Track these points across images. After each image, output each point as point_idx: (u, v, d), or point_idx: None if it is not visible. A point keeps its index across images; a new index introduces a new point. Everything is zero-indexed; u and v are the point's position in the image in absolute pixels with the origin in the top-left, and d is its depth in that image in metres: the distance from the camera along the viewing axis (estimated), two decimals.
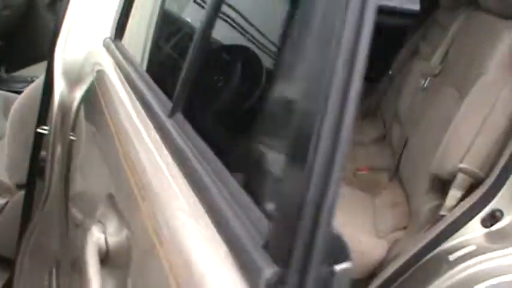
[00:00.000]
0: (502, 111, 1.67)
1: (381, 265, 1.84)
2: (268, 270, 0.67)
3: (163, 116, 1.20)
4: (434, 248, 1.66)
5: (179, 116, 1.17)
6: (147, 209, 1.06)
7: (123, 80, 1.55)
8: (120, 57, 1.69)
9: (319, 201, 0.65)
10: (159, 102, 1.27)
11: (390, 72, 2.85)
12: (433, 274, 1.63)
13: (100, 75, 1.81)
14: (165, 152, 1.10)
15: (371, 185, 2.28)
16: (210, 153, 1.00)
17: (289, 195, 0.70)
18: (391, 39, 2.90)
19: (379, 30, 2.67)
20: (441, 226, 1.68)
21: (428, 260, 1.67)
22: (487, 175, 1.66)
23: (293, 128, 0.71)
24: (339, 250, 0.67)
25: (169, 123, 1.15)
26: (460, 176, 1.72)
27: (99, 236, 1.10)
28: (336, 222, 1.74)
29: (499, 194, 1.60)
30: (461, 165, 1.71)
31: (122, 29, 1.82)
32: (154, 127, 1.21)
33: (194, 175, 0.96)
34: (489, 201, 1.62)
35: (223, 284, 0.78)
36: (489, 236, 1.63)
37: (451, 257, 1.62)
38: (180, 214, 0.95)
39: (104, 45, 1.86)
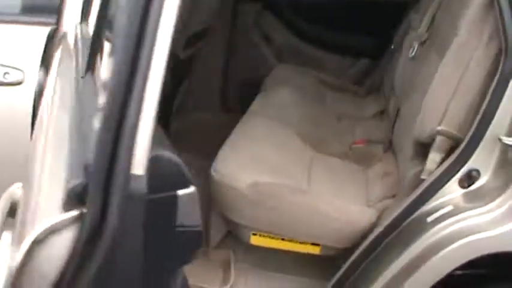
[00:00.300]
0: (476, 71, 1.66)
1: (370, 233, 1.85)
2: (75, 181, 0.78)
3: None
4: (414, 211, 1.67)
5: None
6: None
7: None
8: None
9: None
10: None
11: (392, 47, 2.84)
12: (413, 236, 1.65)
13: None
14: None
15: (366, 157, 2.28)
16: None
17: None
18: (391, 15, 2.89)
19: (378, 6, 2.68)
20: (420, 190, 1.68)
21: (409, 223, 1.68)
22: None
23: None
24: (179, 177, 0.72)
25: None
26: (439, 139, 1.72)
27: None
28: (324, 193, 1.74)
29: (475, 154, 1.60)
30: (439, 128, 1.71)
31: (87, 13, 1.91)
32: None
33: None
34: (465, 162, 1.61)
35: None
36: (466, 196, 1.63)
37: (429, 219, 1.63)
38: None
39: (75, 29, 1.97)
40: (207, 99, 3.29)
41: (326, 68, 3.13)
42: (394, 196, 1.92)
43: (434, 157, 1.72)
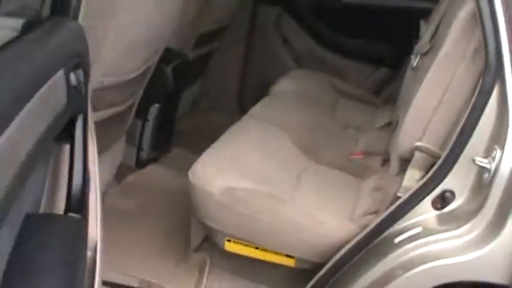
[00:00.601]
0: (460, 85, 1.56)
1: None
2: None
3: None
4: (384, 230, 1.59)
5: None
6: None
7: None
8: None
9: None
10: None
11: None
12: (379, 256, 1.57)
13: None
14: None
15: (363, 170, 2.19)
16: None
17: None
18: (413, 24, 2.78)
19: (400, 14, 2.58)
20: (392, 208, 1.59)
21: (378, 242, 1.60)
22: None
23: None
24: None
25: None
26: (418, 155, 1.63)
27: None
28: (306, 204, 1.66)
29: (450, 174, 1.50)
30: (417, 143, 1.62)
31: None
32: None
33: None
34: (439, 182, 1.51)
35: None
36: (439, 218, 1.53)
37: (397, 240, 1.54)
38: None
39: None
40: (223, 99, 3.27)
41: (344, 75, 3.05)
42: (376, 212, 1.83)
43: (412, 174, 1.63)
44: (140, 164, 2.60)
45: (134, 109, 2.39)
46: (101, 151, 2.26)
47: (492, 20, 1.40)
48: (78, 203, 1.22)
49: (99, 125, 2.11)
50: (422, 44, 2.07)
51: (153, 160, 2.64)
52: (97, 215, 1.42)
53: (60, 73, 1.10)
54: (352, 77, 3.04)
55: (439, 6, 2.20)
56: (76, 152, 1.25)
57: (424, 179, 1.54)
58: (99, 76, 1.88)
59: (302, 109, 2.54)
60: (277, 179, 1.95)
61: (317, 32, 3.11)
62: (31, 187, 1.17)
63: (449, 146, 1.49)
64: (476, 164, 1.43)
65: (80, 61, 1.27)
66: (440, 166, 1.51)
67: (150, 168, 2.62)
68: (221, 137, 2.12)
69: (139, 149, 2.57)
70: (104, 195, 2.42)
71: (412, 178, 1.63)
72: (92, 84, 1.86)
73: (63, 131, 1.27)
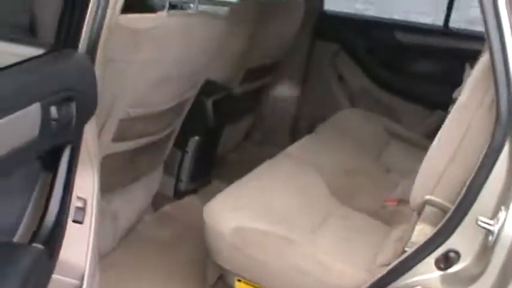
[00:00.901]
0: (476, 136, 1.45)
1: None
2: None
3: None
4: (385, 286, 1.49)
5: None
6: None
7: None
8: None
9: None
10: None
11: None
12: None
13: None
14: None
15: (395, 217, 2.09)
16: None
17: None
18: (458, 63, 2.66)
19: (459, 56, 2.47)
20: (395, 263, 1.50)
21: None
22: None
23: None
24: None
25: None
26: (429, 209, 1.53)
27: None
28: (322, 249, 1.59)
29: (456, 232, 1.39)
30: (428, 197, 1.52)
31: None
32: None
33: None
34: (444, 240, 1.41)
35: None
36: (442, 279, 1.42)
37: None
38: None
39: None
40: (275, 134, 3.25)
41: (398, 116, 2.95)
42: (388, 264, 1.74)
43: (422, 228, 1.53)
44: (178, 194, 2.63)
45: (172, 139, 2.42)
46: (135, 178, 2.32)
47: (505, 73, 1.31)
48: (48, 233, 1.24)
49: (132, 153, 2.16)
50: (460, 89, 1.96)
51: (192, 191, 2.66)
52: (89, 244, 1.44)
53: (35, 106, 1.13)
54: (407, 119, 2.94)
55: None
56: (57, 182, 1.27)
57: (429, 236, 1.45)
58: (124, 107, 1.91)
59: (344, 149, 2.47)
60: (298, 221, 1.90)
61: (372, 70, 3.04)
62: (4, 214, 1.20)
63: (456, 203, 1.39)
64: (478, 225, 1.33)
65: (72, 95, 1.30)
66: (446, 224, 1.40)
67: (188, 199, 2.64)
68: (249, 174, 2.10)
69: (177, 180, 2.60)
70: (139, 222, 2.46)
71: (422, 233, 1.53)
72: (118, 115, 1.91)
73: (51, 160, 1.30)
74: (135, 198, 2.36)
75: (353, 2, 6.97)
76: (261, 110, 3.23)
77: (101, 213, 2.12)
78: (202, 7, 3.17)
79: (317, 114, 3.07)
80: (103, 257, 2.20)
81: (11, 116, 1.04)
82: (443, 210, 1.51)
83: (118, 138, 1.98)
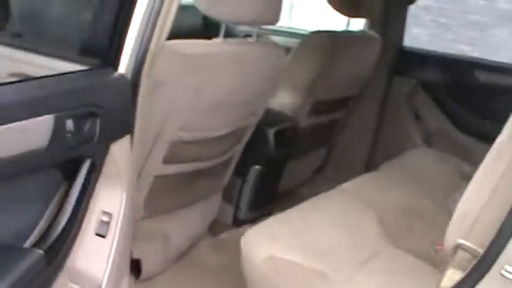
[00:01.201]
0: (511, 179, 1.35)
1: None
2: None
3: None
4: None
5: None
6: None
7: None
8: None
9: None
10: None
11: None
12: None
13: None
14: None
15: (447, 261, 1.97)
16: None
17: None
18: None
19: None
20: None
21: None
22: None
23: None
24: None
25: None
26: (461, 254, 1.43)
27: None
28: None
29: (481, 283, 1.29)
30: (460, 241, 1.42)
31: None
32: None
33: None
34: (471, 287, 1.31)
35: None
36: None
37: None
38: None
39: None
40: (348, 170, 3.18)
41: (476, 160, 2.79)
42: None
43: (452, 274, 1.44)
44: (237, 223, 2.63)
45: (232, 166, 2.44)
46: (191, 202, 2.35)
47: None
48: (51, 240, 1.28)
49: (187, 176, 2.20)
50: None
51: (251, 221, 2.65)
52: (109, 258, 1.48)
53: (47, 117, 1.19)
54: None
55: None
56: (71, 192, 1.32)
57: (456, 281, 1.35)
58: (175, 130, 1.96)
59: (406, 189, 2.37)
60: (337, 257, 1.84)
61: (450, 110, 2.91)
62: (21, 219, 1.26)
63: (483, 251, 1.29)
64: (502, 275, 1.22)
65: (96, 111, 1.35)
66: (472, 271, 1.31)
67: (245, 229, 2.63)
68: (297, 206, 2.07)
69: (236, 208, 2.61)
70: (193, 247, 2.49)
71: (452, 278, 1.43)
72: (168, 137, 1.96)
73: (71, 171, 1.36)
74: (190, 221, 2.39)
75: (458, 44, 6.77)
76: (334, 144, 3.18)
77: (150, 233, 2.18)
78: (276, 38, 3.19)
79: (391, 152, 2.98)
80: (151, 277, 2.25)
81: (17, 124, 1.10)
82: (475, 256, 1.41)
83: (169, 160, 2.03)
